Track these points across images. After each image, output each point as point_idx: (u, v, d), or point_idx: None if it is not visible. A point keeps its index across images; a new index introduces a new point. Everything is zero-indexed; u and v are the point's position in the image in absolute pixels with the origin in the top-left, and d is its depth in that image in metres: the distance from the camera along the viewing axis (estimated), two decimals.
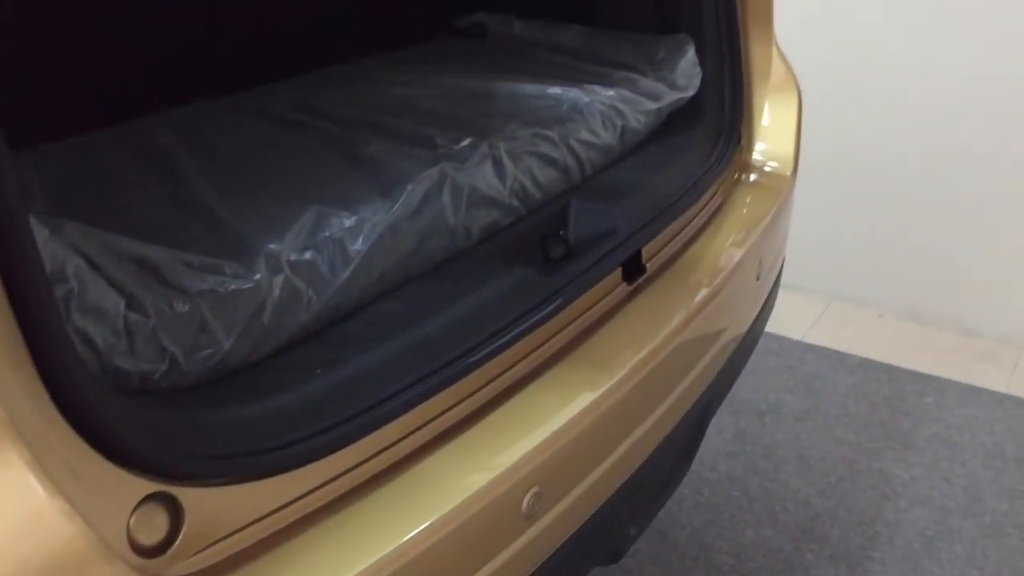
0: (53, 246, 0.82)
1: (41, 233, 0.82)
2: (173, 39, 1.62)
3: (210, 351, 0.93)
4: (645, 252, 1.39)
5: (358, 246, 1.08)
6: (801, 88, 1.80)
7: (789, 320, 2.85)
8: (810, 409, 2.56)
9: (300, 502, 0.91)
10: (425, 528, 0.93)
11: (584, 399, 1.16)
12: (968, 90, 2.75)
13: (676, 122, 1.70)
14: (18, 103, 1.10)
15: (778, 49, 1.78)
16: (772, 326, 1.92)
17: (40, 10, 1.37)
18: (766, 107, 1.74)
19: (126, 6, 1.51)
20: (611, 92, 1.60)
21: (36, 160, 1.27)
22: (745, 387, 2.57)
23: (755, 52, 1.75)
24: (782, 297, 1.90)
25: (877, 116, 2.89)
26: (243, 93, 1.57)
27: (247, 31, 1.70)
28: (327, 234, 1.07)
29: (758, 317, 1.69)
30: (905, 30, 2.79)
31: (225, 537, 0.84)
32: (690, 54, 1.73)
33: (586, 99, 1.56)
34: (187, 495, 0.79)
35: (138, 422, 0.79)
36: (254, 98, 1.55)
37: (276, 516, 0.89)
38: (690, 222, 1.54)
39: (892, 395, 2.62)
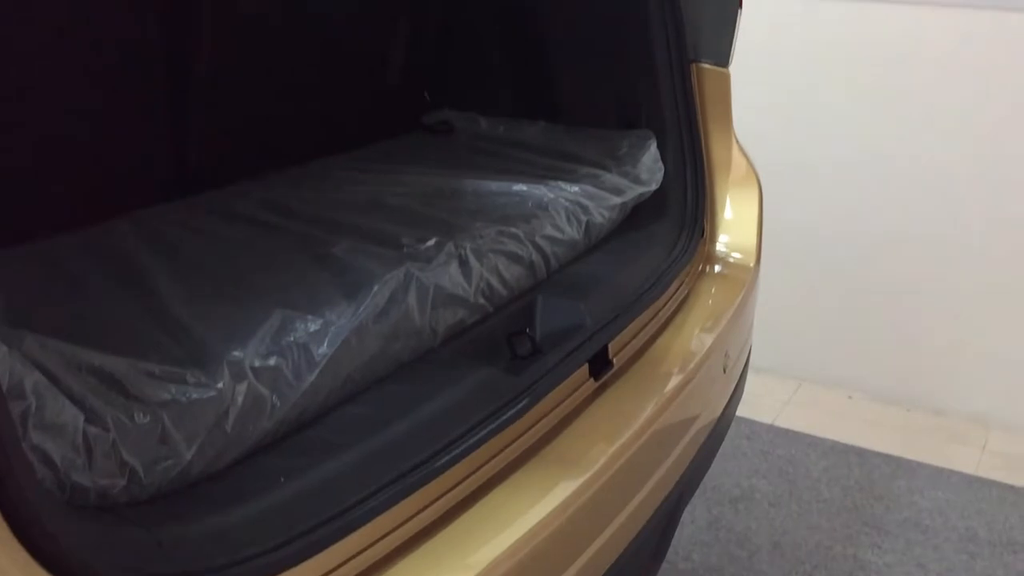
0: (11, 362, 0.81)
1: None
2: (140, 139, 1.63)
3: (171, 462, 0.91)
4: (612, 347, 1.40)
5: (323, 350, 1.08)
6: (763, 173, 1.84)
7: (760, 403, 2.86)
8: (783, 495, 2.55)
9: None
10: None
11: (554, 499, 1.15)
12: (929, 173, 2.82)
13: (640, 215, 1.73)
14: None
15: (738, 144, 1.83)
16: (743, 410, 1.92)
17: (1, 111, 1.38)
18: (728, 200, 1.78)
19: (92, 105, 1.52)
20: (575, 188, 1.63)
21: None
22: (718, 473, 2.56)
23: (715, 147, 1.79)
24: (752, 379, 1.91)
25: (840, 199, 2.95)
26: (212, 192, 1.58)
27: (215, 130, 1.71)
28: (292, 339, 1.07)
29: (727, 406, 1.70)
30: (866, 116, 2.87)
31: None
32: (652, 149, 1.77)
33: (551, 195, 1.58)
34: None
35: (95, 542, 0.77)
36: (223, 197, 1.56)
37: None
38: (656, 315, 1.55)
39: (864, 478, 2.62)
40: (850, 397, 3.05)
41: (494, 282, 1.37)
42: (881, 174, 2.88)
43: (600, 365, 1.37)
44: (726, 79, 1.82)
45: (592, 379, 1.35)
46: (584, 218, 1.58)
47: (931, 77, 2.78)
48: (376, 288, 1.18)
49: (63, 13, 1.41)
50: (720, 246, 1.77)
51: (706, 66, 1.81)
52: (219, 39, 1.63)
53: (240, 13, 1.69)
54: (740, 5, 1.78)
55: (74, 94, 1.46)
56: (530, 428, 1.23)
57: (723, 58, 1.81)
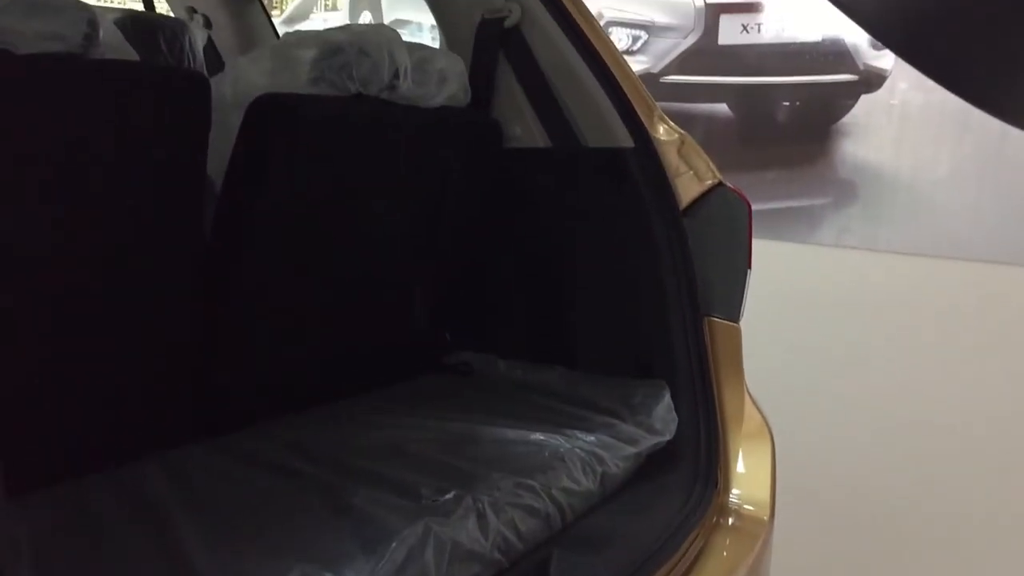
0: None
1: None
2: (166, 379, 1.69)
3: None
4: None
5: None
6: (782, 416, 1.87)
7: None
8: None
9: None
10: None
11: None
12: (949, 417, 2.85)
13: (654, 465, 1.75)
14: (11, 448, 1.13)
15: (750, 396, 1.88)
16: None
17: (27, 353, 1.43)
18: (741, 453, 1.80)
19: (120, 344, 1.58)
20: (591, 438, 1.66)
21: (25, 510, 1.29)
22: None
23: (728, 398, 1.84)
24: None
25: (862, 444, 2.96)
26: (237, 435, 1.62)
27: (242, 371, 1.78)
28: None
29: None
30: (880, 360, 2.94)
31: None
32: (666, 399, 1.82)
33: (567, 445, 1.62)
34: None
35: None
36: (248, 439, 1.60)
37: None
38: (671, 571, 1.55)
39: None
40: None
41: (510, 536, 1.38)
42: (908, 418, 2.90)
43: None
44: (737, 333, 1.89)
45: None
46: (600, 469, 1.61)
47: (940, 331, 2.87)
48: (394, 544, 1.19)
49: (105, 251, 1.50)
50: (734, 498, 1.78)
51: (718, 320, 1.89)
52: (252, 280, 1.72)
53: (276, 259, 1.79)
54: (749, 265, 1.88)
55: (102, 333, 1.53)
56: None
57: (734, 313, 1.90)
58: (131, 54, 1.62)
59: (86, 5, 1.40)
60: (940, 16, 0.59)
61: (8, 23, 1.25)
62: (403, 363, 2.08)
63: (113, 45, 1.49)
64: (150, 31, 2.31)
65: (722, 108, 4.25)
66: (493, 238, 2.12)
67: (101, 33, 1.41)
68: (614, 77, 1.92)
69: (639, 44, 4.21)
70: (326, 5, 5.53)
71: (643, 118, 1.91)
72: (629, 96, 1.91)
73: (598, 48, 1.93)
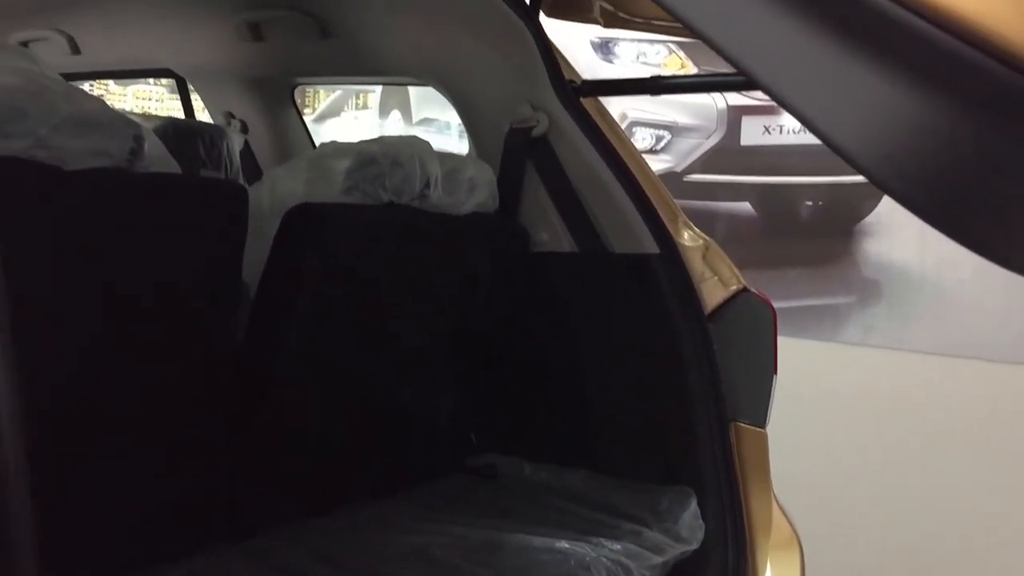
0: None
1: None
2: (197, 482, 1.70)
3: None
4: None
5: None
6: (810, 524, 1.85)
7: None
8: None
9: None
10: None
11: None
12: (985, 521, 2.79)
13: (680, 574, 1.73)
14: (44, 553, 1.14)
15: (778, 504, 1.86)
16: None
17: (60, 455, 1.45)
18: (769, 563, 1.78)
19: (149, 446, 1.60)
20: (617, 546, 1.65)
21: None
22: None
23: (755, 507, 1.83)
24: None
25: (892, 552, 2.91)
26: (265, 539, 1.62)
27: (269, 474, 1.79)
28: None
29: None
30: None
31: None
32: (693, 506, 1.80)
33: (593, 554, 1.61)
34: None
35: None
36: (276, 545, 1.60)
37: None
38: None
39: None
40: None
41: None
42: (923, 536, 2.86)
43: None
44: (764, 439, 1.89)
45: None
46: None
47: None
48: None
49: (141, 354, 1.53)
50: None
51: (744, 426, 1.89)
52: (283, 383, 1.75)
53: (308, 362, 1.82)
54: (775, 371, 1.89)
55: (136, 433, 1.54)
56: None
57: (760, 419, 1.90)
58: (173, 164, 1.68)
59: (132, 121, 1.46)
60: (978, 187, 0.60)
61: (59, 141, 1.31)
62: (428, 464, 2.08)
63: (157, 156, 1.55)
64: (190, 138, 2.40)
65: (745, 206, 4.30)
66: (519, 340, 2.14)
67: (146, 146, 1.47)
68: (639, 184, 1.96)
69: (662, 144, 4.30)
70: (356, 104, 5.69)
71: (668, 224, 1.94)
72: (654, 202, 1.95)
73: (623, 156, 1.98)
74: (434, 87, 2.28)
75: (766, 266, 3.78)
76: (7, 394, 0.87)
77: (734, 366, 1.90)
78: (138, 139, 1.44)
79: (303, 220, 1.63)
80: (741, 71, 0.63)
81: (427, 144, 1.82)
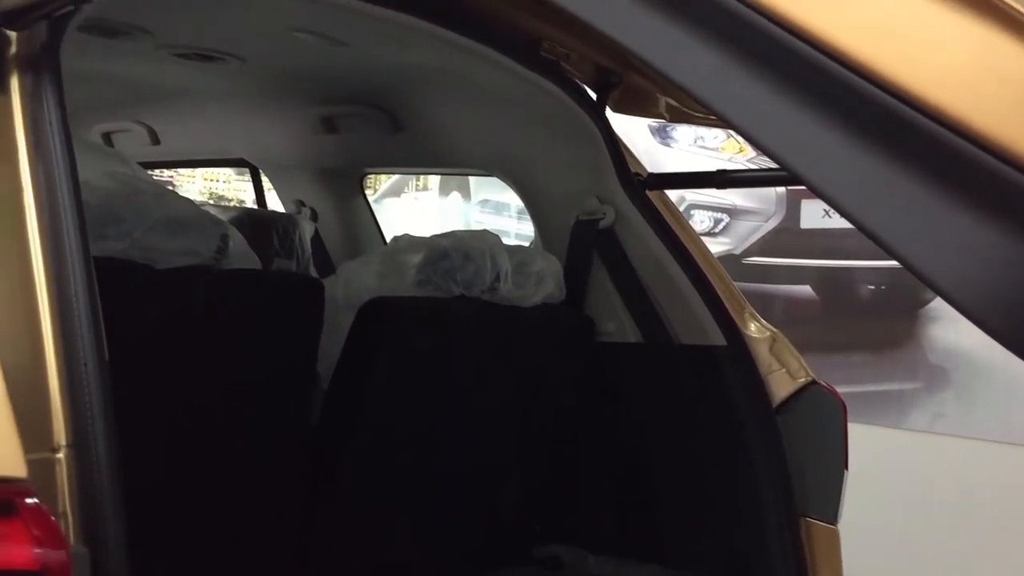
0: None
1: None
2: (273, 559, 1.72)
3: None
4: None
5: None
6: None
7: None
8: None
9: None
10: None
11: None
12: None
13: None
14: None
15: None
16: None
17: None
18: None
19: (230, 519, 1.62)
20: None
21: None
22: None
23: None
24: None
25: None
26: None
27: (337, 558, 1.80)
28: None
29: None
30: None
31: None
32: None
33: None
34: None
35: None
36: None
37: None
38: None
39: None
40: None
41: None
42: None
43: None
44: (835, 536, 1.85)
45: None
46: None
47: None
48: None
49: (222, 437, 1.56)
50: None
51: (815, 521, 1.86)
52: (354, 470, 1.77)
53: (377, 451, 1.84)
54: (846, 466, 1.86)
55: (219, 509, 1.57)
56: None
57: (831, 515, 1.86)
58: (253, 258, 1.75)
59: (219, 220, 1.53)
60: None
61: (152, 242, 1.37)
62: (492, 553, 2.08)
63: (240, 252, 1.61)
64: (265, 228, 2.48)
65: (805, 289, 4.27)
66: (584, 430, 2.15)
67: (231, 244, 1.54)
68: (705, 276, 1.97)
69: (721, 226, 4.30)
70: (417, 186, 5.80)
71: (734, 316, 1.95)
72: (720, 294, 1.96)
73: (688, 247, 2.00)
74: (501, 179, 2.33)
75: (829, 350, 3.74)
76: (110, 480, 0.93)
77: (803, 460, 1.88)
78: (224, 238, 1.50)
79: (378, 313, 1.67)
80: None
81: (497, 238, 1.86)
